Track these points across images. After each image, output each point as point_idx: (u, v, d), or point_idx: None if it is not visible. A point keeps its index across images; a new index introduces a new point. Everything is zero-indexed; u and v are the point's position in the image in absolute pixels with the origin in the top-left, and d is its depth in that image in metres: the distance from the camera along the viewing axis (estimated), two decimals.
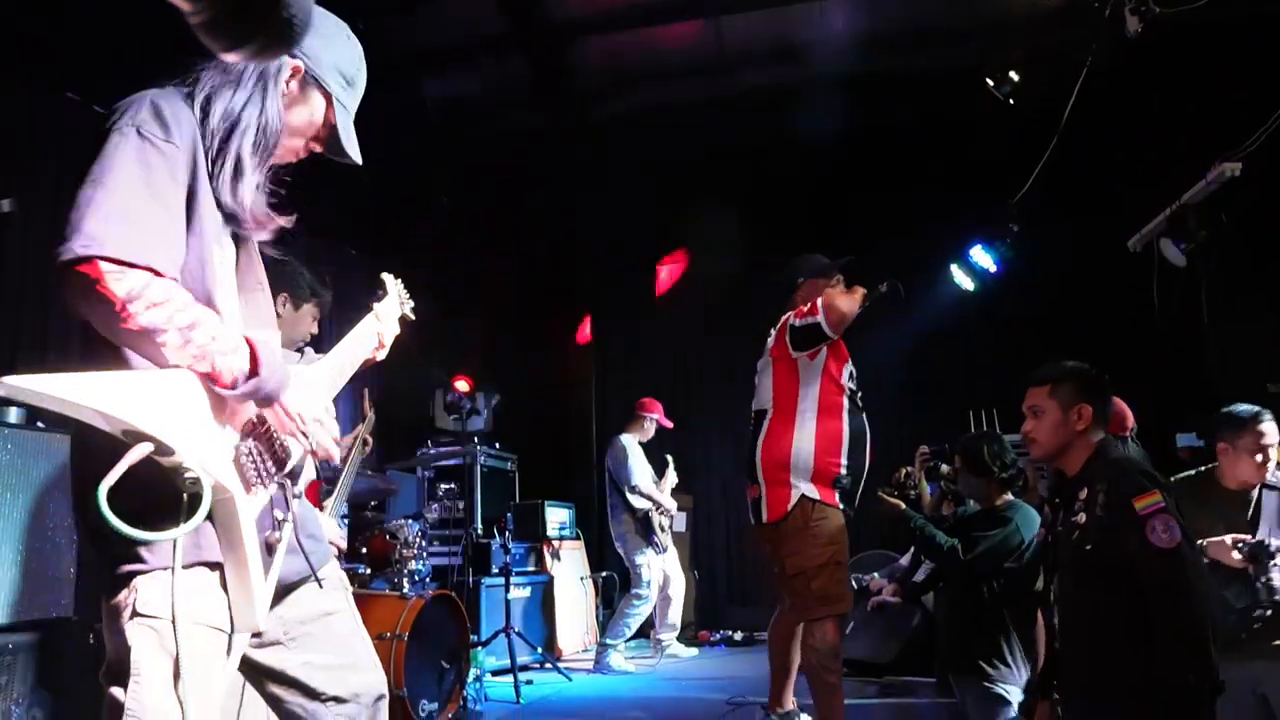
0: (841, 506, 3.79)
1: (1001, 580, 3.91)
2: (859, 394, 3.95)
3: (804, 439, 3.80)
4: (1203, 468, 3.48)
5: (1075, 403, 2.61)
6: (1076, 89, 5.04)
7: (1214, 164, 5.44)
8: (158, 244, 1.47)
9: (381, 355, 2.18)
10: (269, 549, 1.60)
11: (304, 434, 1.66)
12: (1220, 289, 7.16)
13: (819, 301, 3.78)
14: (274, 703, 1.80)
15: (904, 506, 4.18)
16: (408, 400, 7.68)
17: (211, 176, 1.61)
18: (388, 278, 2.28)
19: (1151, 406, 5.76)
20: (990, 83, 5.00)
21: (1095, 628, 2.44)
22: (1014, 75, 4.95)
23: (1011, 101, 5.00)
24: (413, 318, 2.31)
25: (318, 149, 1.86)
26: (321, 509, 3.93)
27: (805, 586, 3.71)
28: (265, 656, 1.75)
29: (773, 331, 4.01)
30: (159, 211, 1.49)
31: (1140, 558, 2.33)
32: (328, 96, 1.79)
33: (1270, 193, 5.74)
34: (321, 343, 2.93)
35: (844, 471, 3.80)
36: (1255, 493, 3.24)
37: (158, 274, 1.44)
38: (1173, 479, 3.25)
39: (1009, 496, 4.14)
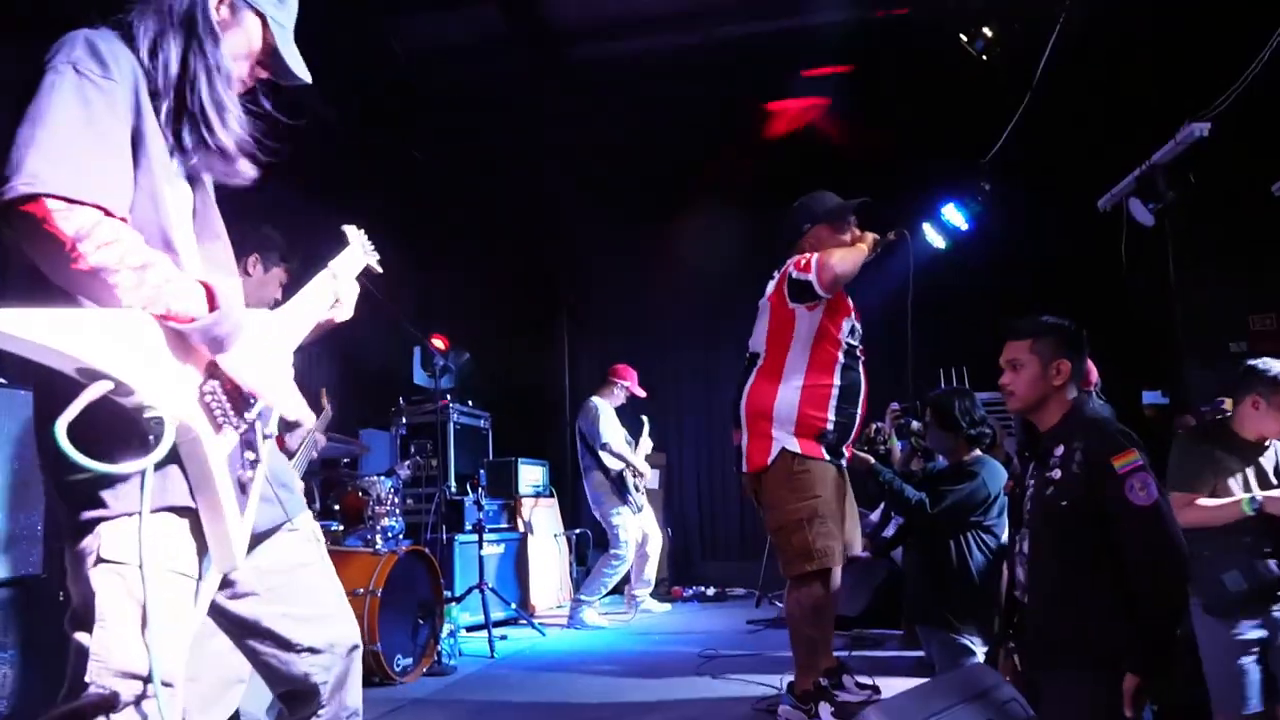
0: (828, 458, 3.68)
1: (968, 533, 3.99)
2: (859, 347, 3.83)
3: (790, 391, 3.69)
4: (1219, 417, 3.50)
5: (1055, 358, 2.62)
6: (1049, 47, 5.03)
7: (1183, 124, 5.48)
8: (105, 182, 1.43)
9: (343, 316, 2.06)
10: (242, 488, 1.58)
11: (268, 392, 1.63)
12: (1187, 249, 7.26)
13: (814, 260, 3.64)
14: (250, 653, 1.80)
15: (874, 461, 4.20)
16: (385, 358, 7.65)
17: (170, 118, 1.58)
18: (350, 229, 2.20)
19: (1117, 364, 5.85)
20: (964, 38, 4.97)
21: (1064, 582, 2.48)
22: (987, 31, 4.92)
23: (985, 58, 4.97)
24: (379, 270, 2.24)
25: (264, 74, 1.80)
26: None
27: (786, 542, 3.63)
28: (241, 608, 1.75)
29: (775, 274, 3.85)
30: (103, 148, 1.45)
31: (1119, 516, 2.36)
32: (261, 17, 1.75)
33: (1238, 153, 5.78)
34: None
35: (830, 426, 3.68)
36: (1270, 444, 3.31)
37: (108, 213, 1.41)
38: (1179, 432, 3.25)
39: (976, 452, 4.21)
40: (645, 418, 7.26)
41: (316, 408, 4.37)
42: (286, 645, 1.78)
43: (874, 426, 4.40)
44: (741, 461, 3.80)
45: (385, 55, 6.88)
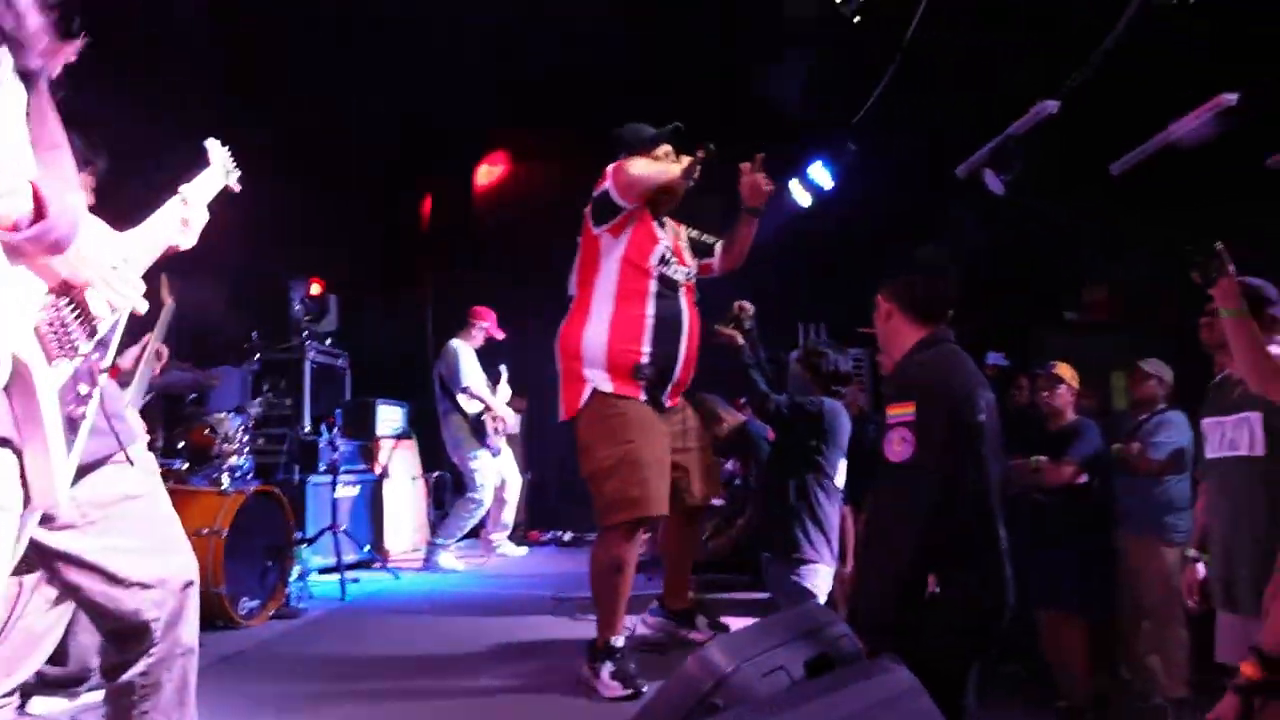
0: (645, 398, 3.48)
1: (807, 475, 4.08)
2: (679, 277, 3.60)
3: (598, 325, 3.47)
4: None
5: (885, 300, 2.60)
6: (918, 13, 5.17)
7: (1035, 100, 5.76)
8: None
9: (186, 243, 1.95)
10: (71, 424, 1.49)
11: (107, 283, 1.52)
12: (1032, 220, 7.68)
13: (610, 168, 3.47)
14: (71, 590, 1.71)
15: (740, 340, 4.04)
16: (240, 291, 7.30)
17: None
18: (212, 145, 2.07)
19: (968, 324, 6.16)
20: None
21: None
22: None
23: (856, 19, 5.08)
24: (237, 189, 2.12)
25: None
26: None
27: (599, 490, 3.42)
28: (60, 540, 1.66)
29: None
30: None
31: (877, 464, 2.34)
32: None
33: (1083, 132, 6.11)
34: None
35: (645, 359, 3.46)
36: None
37: None
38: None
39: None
40: (503, 366, 7.20)
41: (156, 300, 4.05)
42: (113, 579, 1.71)
43: (737, 305, 4.13)
44: (559, 409, 3.58)
45: None
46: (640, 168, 3.46)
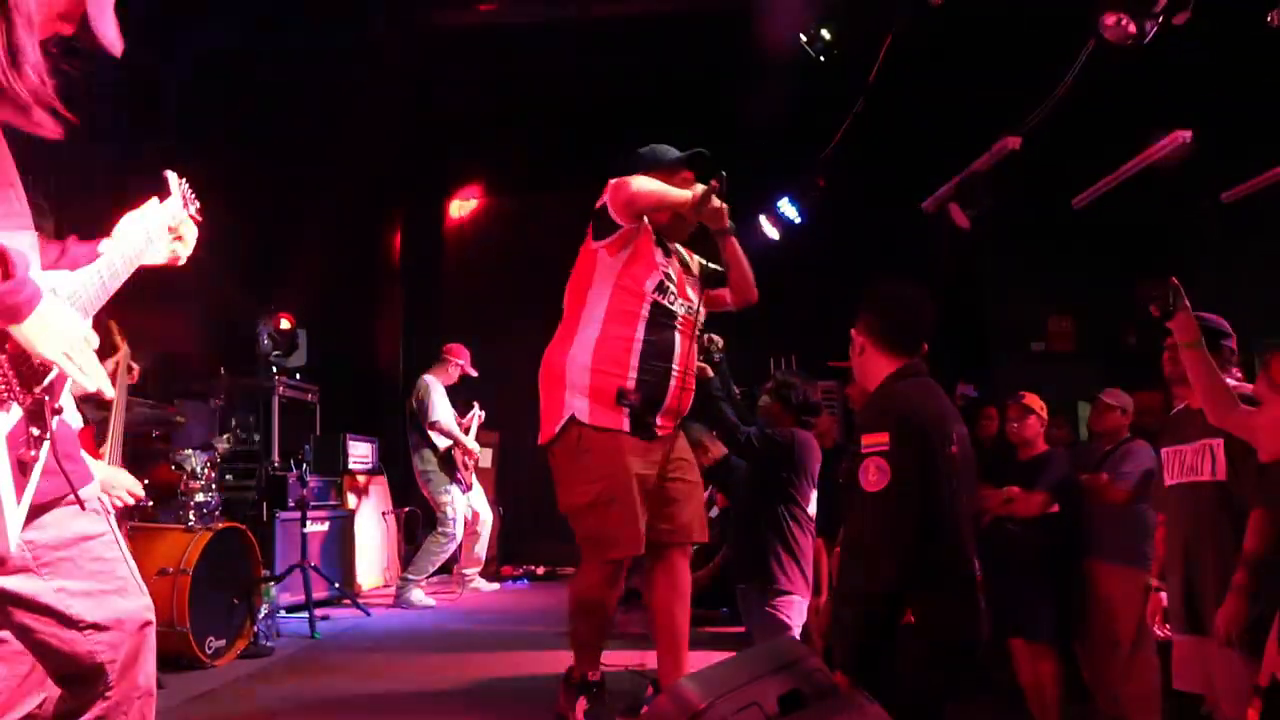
0: (629, 429, 3.16)
1: (779, 506, 4.09)
2: (678, 309, 3.29)
3: (584, 344, 3.19)
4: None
5: (860, 333, 2.64)
6: (883, 52, 5.28)
7: (998, 137, 5.88)
8: None
9: (159, 258, 1.95)
10: (23, 468, 1.47)
11: (70, 360, 1.51)
12: (996, 254, 7.82)
13: (611, 183, 3.24)
14: (22, 633, 1.68)
15: (710, 372, 3.86)
16: (207, 325, 7.23)
17: None
18: (171, 176, 2.04)
19: (932, 357, 6.23)
20: (804, 38, 5.15)
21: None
22: (826, 33, 5.11)
23: (823, 59, 5.17)
24: (198, 219, 2.11)
25: (67, 31, 1.60)
26: (99, 457, 3.62)
27: (576, 525, 3.20)
28: (11, 584, 1.62)
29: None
30: None
31: (850, 493, 2.36)
32: None
33: (1045, 167, 6.24)
34: None
35: (631, 384, 3.14)
36: None
37: None
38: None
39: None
40: (476, 403, 7.18)
41: (110, 346, 3.97)
42: (67, 622, 1.67)
43: (706, 336, 3.89)
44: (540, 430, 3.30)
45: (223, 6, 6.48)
46: (641, 184, 3.20)
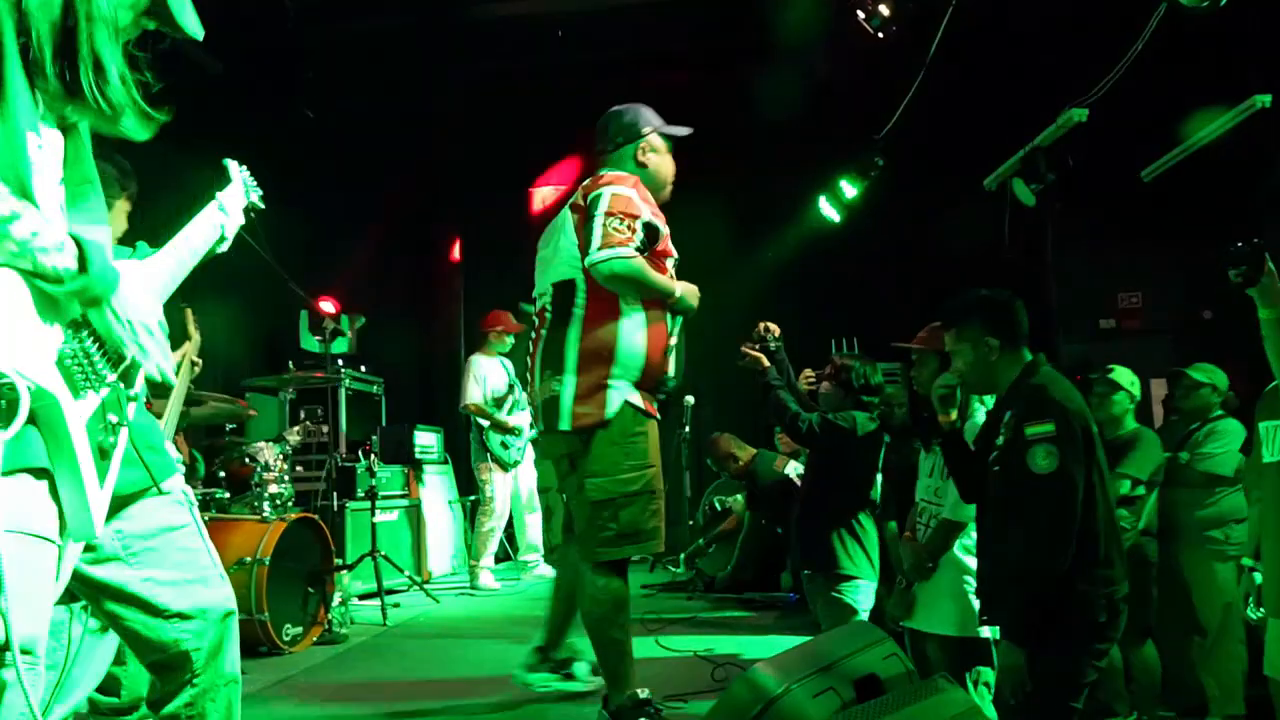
0: (658, 418, 3.17)
1: (838, 474, 4.05)
2: None
3: (633, 329, 3.05)
4: None
5: (982, 337, 2.68)
6: (943, 24, 5.17)
7: (1063, 109, 5.73)
8: None
9: (223, 248, 2.05)
10: (103, 454, 1.51)
11: (136, 344, 1.56)
12: (1063, 229, 7.62)
13: (633, 260, 2.97)
14: (112, 620, 1.74)
15: (767, 363, 3.89)
16: (275, 320, 7.40)
17: (45, 60, 1.44)
18: (231, 164, 2.11)
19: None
20: (861, 14, 5.07)
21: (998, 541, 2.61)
22: (884, 9, 5.03)
23: (881, 35, 5.08)
24: (262, 207, 2.17)
25: (150, 24, 1.62)
26: None
27: (611, 516, 3.00)
28: (103, 572, 1.68)
29: (580, 191, 3.18)
30: None
31: (1020, 481, 2.45)
32: None
33: (1112, 139, 6.07)
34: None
35: (669, 375, 3.16)
36: None
37: None
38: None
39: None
40: (514, 383, 7.18)
41: (184, 334, 4.06)
42: (154, 611, 1.73)
43: (762, 325, 3.92)
44: (558, 417, 3.05)
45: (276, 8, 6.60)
46: (646, 279, 3.04)
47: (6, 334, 1.32)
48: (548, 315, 3.19)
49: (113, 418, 1.55)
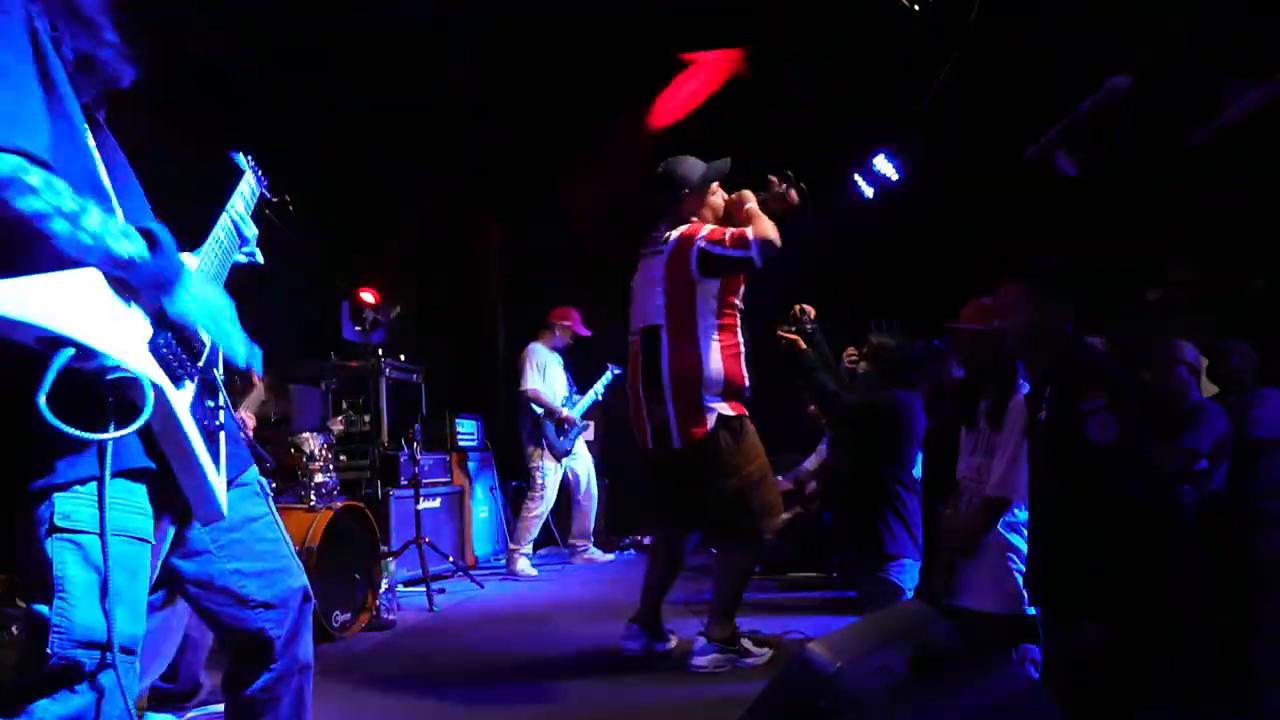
0: (748, 413, 3.82)
1: (882, 466, 4.04)
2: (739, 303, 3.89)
3: (714, 355, 3.70)
4: None
5: (1051, 301, 2.69)
6: None
7: (1105, 78, 5.61)
8: (19, 125, 1.31)
9: (256, 257, 2.03)
10: (210, 436, 1.55)
11: (215, 330, 1.59)
12: (1108, 200, 7.46)
13: (749, 233, 3.60)
14: (203, 612, 1.78)
15: (803, 344, 4.10)
16: (314, 311, 7.46)
17: (59, 45, 1.45)
18: (240, 157, 2.06)
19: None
20: None
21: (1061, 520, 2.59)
22: None
23: (916, 7, 4.99)
24: (272, 198, 2.15)
25: None
26: None
27: (754, 500, 3.71)
28: (193, 566, 1.71)
29: (661, 249, 3.80)
30: (9, 89, 1.33)
31: (1079, 453, 2.46)
32: None
33: (1156, 107, 5.92)
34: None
35: (747, 384, 3.80)
36: None
37: (32, 159, 1.30)
38: None
39: None
40: (611, 367, 7.19)
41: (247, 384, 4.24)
42: (241, 601, 1.76)
43: (798, 307, 4.21)
44: (671, 436, 3.73)
45: None
46: (775, 233, 3.62)
47: (110, 332, 1.34)
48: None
49: (209, 401, 1.58)
